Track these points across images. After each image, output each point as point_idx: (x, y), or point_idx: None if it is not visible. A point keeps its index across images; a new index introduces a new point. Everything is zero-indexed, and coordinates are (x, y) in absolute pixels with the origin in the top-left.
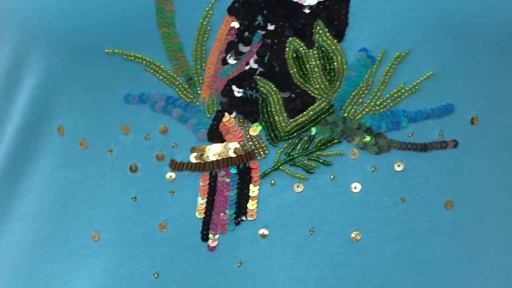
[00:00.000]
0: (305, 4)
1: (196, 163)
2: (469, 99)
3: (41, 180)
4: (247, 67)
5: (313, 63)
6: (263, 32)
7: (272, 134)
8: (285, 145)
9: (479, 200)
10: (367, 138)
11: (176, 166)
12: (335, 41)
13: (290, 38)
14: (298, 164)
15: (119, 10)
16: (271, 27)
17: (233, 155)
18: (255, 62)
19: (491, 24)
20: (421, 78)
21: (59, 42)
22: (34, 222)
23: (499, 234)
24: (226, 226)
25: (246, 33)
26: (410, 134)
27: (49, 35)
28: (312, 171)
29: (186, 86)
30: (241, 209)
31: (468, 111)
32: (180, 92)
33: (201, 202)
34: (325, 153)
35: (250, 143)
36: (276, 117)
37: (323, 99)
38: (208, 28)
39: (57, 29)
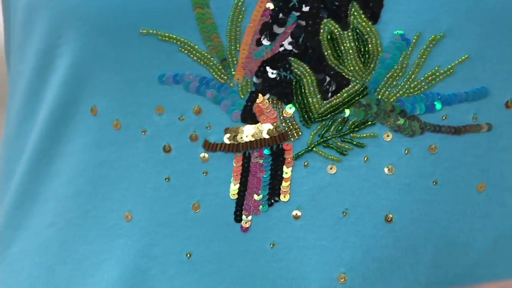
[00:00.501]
0: None
1: (230, 144)
2: (504, 83)
3: (74, 161)
4: (281, 49)
5: (348, 45)
6: (298, 14)
7: (305, 116)
8: (319, 127)
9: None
10: (401, 121)
11: (209, 146)
12: (370, 23)
13: (325, 20)
14: (331, 145)
15: None
16: (305, 9)
17: (267, 136)
18: (290, 43)
19: None
20: (456, 61)
21: (93, 22)
22: (66, 203)
23: None
24: (259, 207)
25: (281, 15)
26: (444, 117)
27: (83, 15)
28: (345, 153)
29: (220, 67)
30: (274, 191)
31: (503, 94)
32: (214, 73)
33: (234, 183)
34: (358, 135)
35: (284, 124)
36: (310, 99)
37: (357, 81)
38: (243, 9)
39: (91, 10)
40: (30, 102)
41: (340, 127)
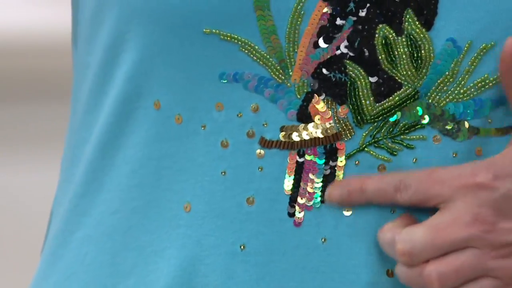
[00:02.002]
0: None
1: (285, 141)
2: None
3: (137, 153)
4: (337, 52)
5: (401, 50)
6: (354, 18)
7: (358, 117)
8: (371, 128)
9: None
10: (450, 125)
11: (265, 143)
12: (424, 30)
13: (380, 25)
14: (382, 146)
15: None
16: (362, 14)
17: (321, 135)
18: (345, 47)
19: None
20: None
21: (159, 20)
22: (130, 192)
23: None
24: (312, 203)
25: (338, 19)
26: (489, 121)
27: (151, 13)
28: (395, 153)
29: (278, 67)
30: (326, 188)
31: None
32: (272, 73)
33: (289, 179)
34: (408, 137)
35: (337, 124)
36: (363, 101)
37: (409, 85)
38: (302, 12)
39: (158, 8)
40: (96, 94)
41: (391, 129)
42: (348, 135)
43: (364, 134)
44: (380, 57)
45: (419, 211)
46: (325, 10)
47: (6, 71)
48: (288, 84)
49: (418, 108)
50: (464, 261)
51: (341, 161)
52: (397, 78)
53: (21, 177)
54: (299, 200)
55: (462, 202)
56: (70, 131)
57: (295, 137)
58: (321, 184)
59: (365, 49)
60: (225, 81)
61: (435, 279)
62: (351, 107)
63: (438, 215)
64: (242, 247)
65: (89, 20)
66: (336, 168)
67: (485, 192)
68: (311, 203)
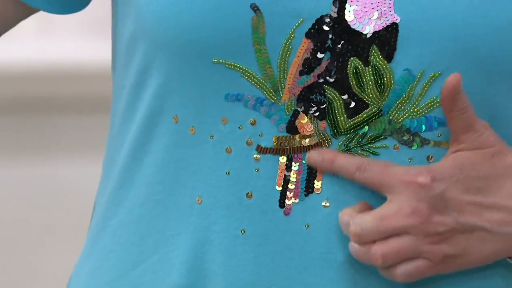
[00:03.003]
0: (364, 32)
1: (277, 148)
2: (484, 109)
3: (160, 156)
4: (318, 78)
5: (368, 77)
6: (331, 52)
7: (335, 130)
8: (344, 139)
9: None
10: (406, 136)
11: (261, 150)
12: (386, 61)
13: (352, 58)
14: (353, 153)
15: (225, 31)
16: (337, 49)
17: (305, 144)
18: (324, 74)
19: (507, 58)
20: None
21: (177, 52)
22: (154, 187)
23: None
24: (298, 197)
25: (319, 53)
26: (438, 135)
27: (171, 47)
28: None
29: (272, 90)
30: (309, 185)
31: (482, 118)
32: (267, 95)
33: (280, 178)
34: (374, 146)
35: (318, 136)
36: (338, 117)
37: (375, 105)
38: (290, 47)
39: (177, 43)
40: (129, 109)
41: (360, 139)
42: (327, 144)
43: (340, 143)
44: (351, 83)
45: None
46: (308, 45)
47: (67, 90)
48: (279, 104)
49: (381, 123)
50: (402, 244)
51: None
52: (365, 99)
53: (74, 173)
54: (287, 194)
55: (405, 196)
56: (109, 138)
57: (285, 145)
58: (305, 182)
59: (340, 77)
60: (229, 100)
61: (379, 256)
62: (329, 122)
63: (385, 205)
64: (242, 231)
65: (125, 52)
66: (317, 169)
67: (424, 190)
68: (297, 197)
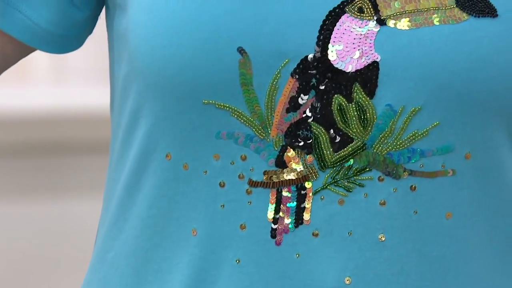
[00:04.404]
0: (347, 71)
1: (267, 182)
2: (464, 141)
3: (153, 191)
4: (304, 115)
5: (352, 113)
6: (316, 90)
7: (321, 163)
8: (331, 171)
9: (472, 214)
10: (390, 168)
11: (253, 184)
12: (368, 98)
13: (336, 95)
14: (340, 185)
15: (214, 73)
16: (321, 87)
17: (294, 177)
18: (310, 111)
19: (482, 92)
20: (429, 126)
21: (169, 93)
22: (149, 221)
23: (488, 244)
24: (288, 228)
25: (304, 91)
26: (421, 165)
27: (162, 89)
28: (350, 190)
29: (260, 127)
30: (299, 216)
31: (463, 149)
32: (256, 132)
33: (271, 210)
34: (360, 178)
35: (306, 169)
36: (324, 151)
37: (359, 139)
38: (277, 86)
39: (168, 84)
40: (123, 147)
41: (346, 172)
42: (314, 177)
43: (326, 176)
44: (336, 119)
45: None
46: (294, 84)
47: (78, 132)
48: (268, 140)
49: (366, 156)
50: None
51: (309, 197)
52: (349, 134)
53: (84, 211)
54: (279, 226)
55: None
56: (108, 174)
57: (274, 179)
58: (295, 213)
59: (325, 113)
60: (220, 138)
61: None
62: (315, 156)
63: None
64: (237, 261)
65: (120, 93)
66: (306, 201)
67: None
68: (287, 228)
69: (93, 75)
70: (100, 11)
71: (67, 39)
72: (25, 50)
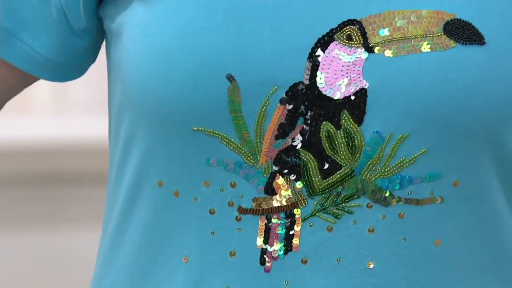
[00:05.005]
0: (335, 98)
1: (256, 209)
2: (452, 168)
3: (146, 218)
4: (293, 142)
5: (340, 140)
6: (304, 117)
7: (310, 190)
8: (320, 198)
9: (461, 241)
10: (378, 195)
11: (242, 210)
12: (356, 125)
13: (324, 122)
14: (329, 212)
15: (203, 101)
16: (310, 114)
17: (283, 204)
18: (299, 138)
19: (469, 119)
20: (417, 153)
21: (159, 121)
22: (142, 248)
23: (476, 271)
24: (277, 254)
25: (293, 118)
26: (409, 192)
27: (153, 117)
28: (339, 217)
29: (250, 154)
30: (288, 243)
31: (451, 176)
32: (245, 159)
33: (260, 237)
34: (348, 205)
35: (294, 196)
36: (313, 178)
37: (347, 166)
38: (266, 113)
39: (158, 112)
40: (118, 174)
41: (335, 199)
42: (303, 203)
43: (315, 203)
44: (324, 146)
45: None
46: (283, 111)
47: (79, 163)
48: (257, 167)
49: (354, 183)
50: None
51: (298, 224)
52: (338, 161)
53: (77, 238)
54: (268, 252)
55: None
56: (105, 203)
57: (263, 205)
58: (283, 241)
59: (313, 140)
60: (210, 165)
61: None
62: (304, 183)
63: None
64: None
65: (115, 121)
66: (295, 228)
67: None
68: (276, 254)
69: (93, 106)
70: (102, 39)
71: (69, 67)
72: (28, 79)
